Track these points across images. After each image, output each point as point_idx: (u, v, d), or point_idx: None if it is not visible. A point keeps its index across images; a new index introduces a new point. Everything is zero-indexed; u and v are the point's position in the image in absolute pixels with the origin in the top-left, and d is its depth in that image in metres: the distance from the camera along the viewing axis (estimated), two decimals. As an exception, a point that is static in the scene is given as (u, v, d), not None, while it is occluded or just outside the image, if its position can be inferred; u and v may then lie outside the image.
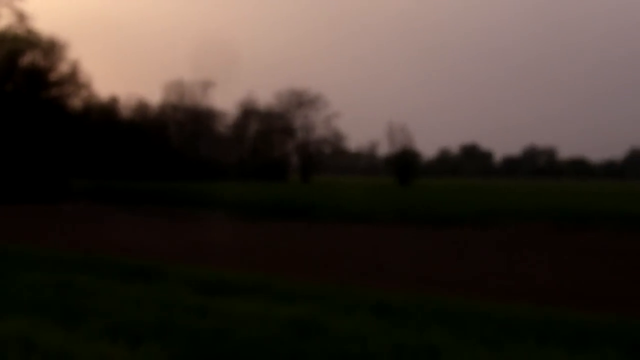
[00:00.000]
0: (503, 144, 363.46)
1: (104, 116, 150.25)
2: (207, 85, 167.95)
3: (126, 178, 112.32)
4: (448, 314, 11.77)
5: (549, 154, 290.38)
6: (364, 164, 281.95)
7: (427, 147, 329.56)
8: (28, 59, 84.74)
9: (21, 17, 76.39)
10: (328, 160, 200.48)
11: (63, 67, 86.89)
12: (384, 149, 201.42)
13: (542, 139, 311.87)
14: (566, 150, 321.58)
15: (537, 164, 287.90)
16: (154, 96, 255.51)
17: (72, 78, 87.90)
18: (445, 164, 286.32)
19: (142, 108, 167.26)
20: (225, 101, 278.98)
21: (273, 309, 11.86)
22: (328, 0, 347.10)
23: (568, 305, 14.08)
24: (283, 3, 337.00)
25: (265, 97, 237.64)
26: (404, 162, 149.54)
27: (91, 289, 13.91)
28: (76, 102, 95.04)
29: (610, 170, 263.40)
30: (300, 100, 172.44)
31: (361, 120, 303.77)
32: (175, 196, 65.60)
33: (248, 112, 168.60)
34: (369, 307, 12.25)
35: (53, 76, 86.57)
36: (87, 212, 51.89)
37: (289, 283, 15.27)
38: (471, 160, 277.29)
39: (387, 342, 9.51)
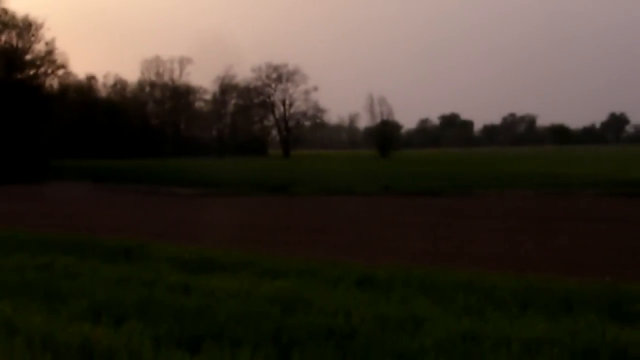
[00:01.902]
0: (483, 114, 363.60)
1: (81, 95, 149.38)
2: (184, 61, 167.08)
3: (106, 157, 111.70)
4: (432, 285, 11.78)
5: (529, 122, 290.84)
6: (344, 137, 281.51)
7: (408, 119, 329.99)
8: (3, 39, 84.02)
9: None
10: (308, 134, 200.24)
11: (39, 47, 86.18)
12: (364, 122, 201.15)
13: (521, 108, 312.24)
14: (546, 118, 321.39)
15: (517, 132, 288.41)
16: (132, 74, 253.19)
17: (48, 58, 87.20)
18: (426, 134, 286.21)
19: (120, 86, 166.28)
20: (203, 77, 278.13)
21: (257, 285, 11.84)
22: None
23: (550, 272, 14.14)
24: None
25: (244, 72, 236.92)
26: (384, 134, 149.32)
27: (73, 270, 13.84)
28: (53, 82, 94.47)
29: (590, 135, 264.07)
30: (279, 75, 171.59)
31: (341, 93, 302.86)
32: (156, 174, 65.35)
33: (226, 88, 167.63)
34: (353, 280, 12.25)
35: (29, 56, 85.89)
36: (67, 192, 51.60)
37: (272, 259, 15.23)
38: (452, 130, 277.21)
39: (371, 315, 9.51)
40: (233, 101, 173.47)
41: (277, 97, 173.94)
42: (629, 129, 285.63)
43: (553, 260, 17.36)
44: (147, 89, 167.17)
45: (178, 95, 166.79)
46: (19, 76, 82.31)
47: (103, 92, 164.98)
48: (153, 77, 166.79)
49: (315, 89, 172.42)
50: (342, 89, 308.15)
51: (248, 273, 13.34)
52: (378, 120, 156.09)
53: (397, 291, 11.30)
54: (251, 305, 10.28)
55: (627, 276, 13.77)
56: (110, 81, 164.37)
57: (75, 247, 17.41)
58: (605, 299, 10.33)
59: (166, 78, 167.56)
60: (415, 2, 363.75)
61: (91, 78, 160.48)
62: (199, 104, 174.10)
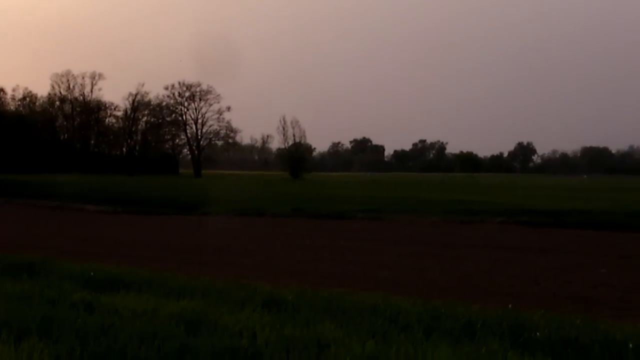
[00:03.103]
0: (394, 140, 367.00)
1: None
2: (96, 77, 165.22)
3: (12, 171, 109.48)
4: (337, 307, 11.82)
5: (439, 149, 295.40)
6: (257, 158, 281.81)
7: (320, 142, 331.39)
8: None
9: None
10: (220, 153, 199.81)
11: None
12: (276, 143, 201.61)
13: (432, 136, 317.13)
14: (455, 146, 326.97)
15: (427, 158, 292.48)
16: (43, 88, 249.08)
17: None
18: (338, 158, 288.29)
19: (29, 100, 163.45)
20: (114, 93, 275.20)
21: (162, 305, 11.72)
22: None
23: (455, 298, 14.32)
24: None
25: (157, 89, 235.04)
26: (296, 156, 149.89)
27: (-28, 286, 13.52)
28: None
29: (498, 164, 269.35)
30: (192, 94, 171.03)
31: (254, 114, 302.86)
32: (64, 189, 64.27)
33: (138, 105, 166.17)
34: (259, 302, 12.22)
35: None
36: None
37: (178, 278, 15.10)
38: (363, 154, 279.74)
39: (276, 336, 9.50)
40: (144, 118, 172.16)
41: (189, 115, 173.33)
42: (535, 158, 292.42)
43: (458, 286, 17.60)
44: (57, 103, 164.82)
45: (88, 111, 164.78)
46: None
47: (12, 105, 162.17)
48: (63, 92, 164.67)
49: (228, 109, 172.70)
50: (255, 110, 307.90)
51: (153, 292, 13.20)
52: (290, 142, 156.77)
53: (303, 313, 11.31)
54: (156, 325, 10.16)
55: (529, 304, 14.05)
56: (20, 94, 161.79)
57: (-25, 262, 17.00)
58: (507, 326, 10.49)
59: (77, 93, 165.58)
60: (326, 25, 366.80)
61: (0, 91, 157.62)
62: (109, 121, 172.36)
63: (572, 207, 45.08)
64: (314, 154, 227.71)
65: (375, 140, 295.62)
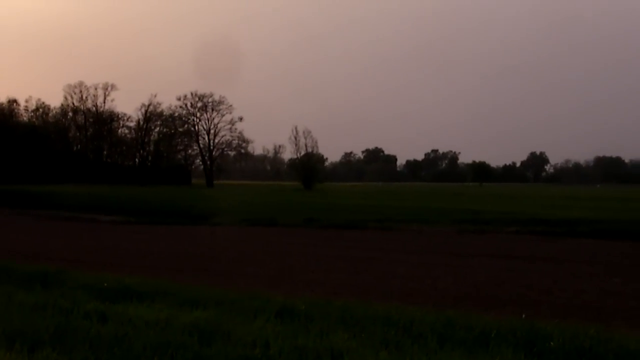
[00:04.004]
0: (406, 150, 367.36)
1: (1, 119, 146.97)
2: (108, 88, 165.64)
3: (26, 182, 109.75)
4: (351, 317, 11.81)
5: (451, 159, 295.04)
6: (269, 168, 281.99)
7: (332, 152, 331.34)
8: None
9: None
10: (232, 164, 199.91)
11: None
12: (289, 154, 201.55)
13: (444, 145, 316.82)
14: (468, 156, 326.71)
15: (439, 168, 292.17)
16: (55, 99, 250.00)
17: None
18: (350, 168, 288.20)
19: (42, 111, 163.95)
20: (127, 104, 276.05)
21: (175, 315, 11.73)
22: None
23: (468, 308, 14.30)
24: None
25: (169, 100, 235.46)
26: (308, 166, 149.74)
27: (-13, 296, 13.56)
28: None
29: (511, 174, 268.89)
30: (204, 104, 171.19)
31: (267, 124, 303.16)
32: (77, 200, 64.43)
33: (151, 116, 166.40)
34: (272, 311, 12.21)
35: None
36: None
37: (192, 289, 15.12)
38: (375, 164, 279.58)
39: (289, 346, 9.50)
40: (157, 129, 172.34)
41: (202, 126, 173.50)
42: (548, 168, 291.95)
43: (471, 296, 17.56)
44: (70, 114, 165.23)
45: (101, 122, 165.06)
46: None
47: (25, 117, 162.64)
48: (76, 103, 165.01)
49: (241, 119, 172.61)
50: (268, 121, 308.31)
51: (166, 302, 13.21)
52: (302, 152, 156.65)
53: (316, 323, 11.30)
54: (169, 335, 10.17)
55: (543, 314, 14.01)
56: (33, 105, 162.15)
57: (-11, 272, 17.06)
58: (521, 336, 10.46)
59: (89, 104, 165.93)
60: (339, 37, 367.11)
61: (13, 102, 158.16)
62: (122, 131, 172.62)
63: (585, 216, 44.93)
64: (326, 164, 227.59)
65: (388, 150, 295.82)
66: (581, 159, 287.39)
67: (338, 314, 12.05)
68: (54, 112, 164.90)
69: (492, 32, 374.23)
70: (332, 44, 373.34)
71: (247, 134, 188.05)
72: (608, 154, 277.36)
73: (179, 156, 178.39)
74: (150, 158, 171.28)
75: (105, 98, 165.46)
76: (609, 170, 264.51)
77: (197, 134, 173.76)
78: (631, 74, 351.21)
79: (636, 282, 20.93)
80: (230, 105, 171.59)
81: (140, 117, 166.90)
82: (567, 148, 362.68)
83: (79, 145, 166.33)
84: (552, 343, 10.05)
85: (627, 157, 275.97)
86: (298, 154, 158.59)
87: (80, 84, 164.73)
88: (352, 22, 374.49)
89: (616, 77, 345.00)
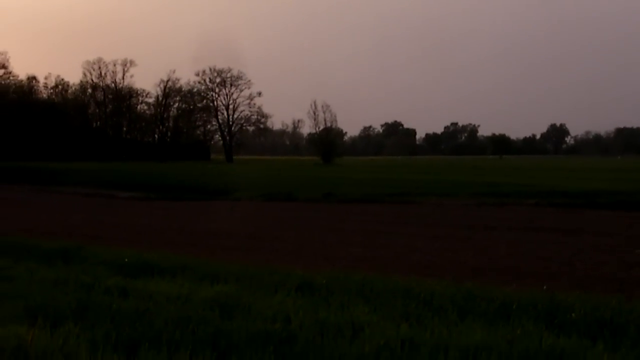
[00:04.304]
0: (425, 123, 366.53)
1: (21, 96, 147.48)
2: (127, 64, 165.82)
3: (46, 159, 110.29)
4: (371, 291, 11.82)
5: (470, 131, 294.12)
6: (288, 143, 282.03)
7: (351, 126, 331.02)
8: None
9: None
10: (252, 139, 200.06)
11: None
12: (308, 128, 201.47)
13: (463, 118, 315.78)
14: (487, 128, 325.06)
15: (458, 141, 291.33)
16: (74, 76, 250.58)
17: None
18: (369, 142, 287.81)
19: (61, 88, 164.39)
20: (146, 80, 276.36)
21: (196, 290, 11.78)
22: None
23: (489, 281, 14.29)
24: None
25: (188, 76, 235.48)
26: (327, 141, 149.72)
27: (8, 272, 13.66)
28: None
29: (531, 146, 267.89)
30: (223, 80, 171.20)
31: (285, 99, 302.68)
32: (97, 177, 64.72)
33: (169, 91, 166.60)
34: (293, 285, 12.24)
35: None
36: (3, 194, 50.81)
37: (211, 264, 15.17)
38: (394, 138, 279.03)
39: (310, 320, 9.52)
40: (176, 105, 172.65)
41: (220, 101, 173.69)
42: (568, 140, 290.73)
43: (491, 269, 17.53)
44: (89, 90, 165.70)
45: (120, 98, 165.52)
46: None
47: (44, 93, 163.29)
48: (95, 79, 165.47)
49: (259, 94, 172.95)
50: (286, 95, 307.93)
51: (187, 277, 13.27)
52: (321, 126, 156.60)
53: (336, 297, 11.32)
54: (189, 309, 10.21)
55: (563, 286, 13.98)
56: (52, 82, 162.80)
57: (10, 248, 17.19)
58: (542, 308, 10.45)
59: (108, 80, 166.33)
60: (356, 12, 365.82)
61: (32, 79, 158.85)
62: (141, 107, 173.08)
63: (605, 188, 44.73)
64: (345, 138, 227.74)
65: (407, 124, 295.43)
66: (602, 130, 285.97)
67: (358, 288, 12.08)
68: (73, 88, 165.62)
69: (509, 5, 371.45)
70: (348, 17, 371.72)
71: (266, 109, 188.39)
72: (629, 125, 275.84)
73: (198, 132, 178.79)
74: (169, 134, 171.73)
75: (124, 74, 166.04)
76: (629, 141, 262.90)
77: (216, 109, 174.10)
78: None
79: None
80: (249, 80, 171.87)
81: (159, 93, 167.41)
82: (587, 119, 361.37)
83: (98, 122, 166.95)
84: (573, 314, 10.04)
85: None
86: (317, 129, 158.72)
87: (99, 60, 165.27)
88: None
89: (635, 47, 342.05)
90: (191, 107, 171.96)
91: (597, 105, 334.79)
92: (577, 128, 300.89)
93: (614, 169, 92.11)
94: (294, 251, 21.13)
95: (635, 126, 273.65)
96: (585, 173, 77.62)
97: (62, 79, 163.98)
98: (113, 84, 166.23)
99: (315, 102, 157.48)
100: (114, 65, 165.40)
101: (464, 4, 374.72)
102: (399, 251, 21.17)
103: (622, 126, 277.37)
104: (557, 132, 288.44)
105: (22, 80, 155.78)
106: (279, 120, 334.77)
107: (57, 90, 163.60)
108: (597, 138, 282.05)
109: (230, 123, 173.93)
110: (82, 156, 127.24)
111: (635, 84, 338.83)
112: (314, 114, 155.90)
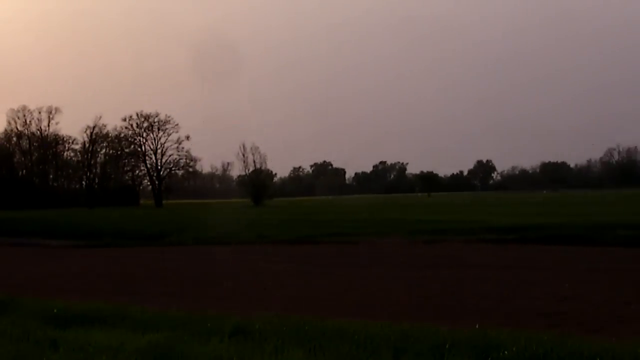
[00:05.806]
0: (354, 162, 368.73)
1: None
2: (53, 111, 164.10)
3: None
4: (306, 334, 11.78)
5: (399, 170, 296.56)
6: (218, 186, 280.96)
7: (281, 167, 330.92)
8: None
9: None
10: (181, 183, 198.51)
11: None
12: (237, 171, 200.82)
13: (392, 157, 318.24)
14: (416, 166, 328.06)
15: (388, 180, 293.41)
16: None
17: None
18: (299, 182, 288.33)
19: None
20: (72, 127, 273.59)
21: (129, 339, 11.61)
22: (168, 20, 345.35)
23: (423, 319, 14.34)
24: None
25: (114, 121, 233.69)
26: (257, 182, 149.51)
27: None
28: None
29: (459, 182, 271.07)
30: (150, 124, 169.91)
31: (214, 142, 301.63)
32: (25, 225, 63.63)
33: (96, 137, 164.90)
34: (227, 332, 12.14)
35: None
36: None
37: (145, 311, 14.97)
38: (324, 178, 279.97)
39: (245, 367, 9.44)
40: (103, 151, 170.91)
41: (148, 146, 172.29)
42: (495, 176, 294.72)
43: (425, 307, 17.62)
44: (14, 139, 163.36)
45: (46, 145, 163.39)
46: None
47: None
48: (20, 127, 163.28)
49: (187, 138, 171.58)
50: (214, 138, 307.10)
51: (120, 326, 13.08)
52: (251, 168, 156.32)
53: (271, 341, 11.26)
54: (123, 359, 10.06)
55: (497, 321, 14.09)
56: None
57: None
58: (475, 346, 10.51)
59: (34, 128, 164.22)
60: (285, 50, 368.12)
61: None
62: (68, 154, 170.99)
63: (534, 222, 45.40)
64: (275, 179, 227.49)
65: (336, 164, 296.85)
66: (527, 165, 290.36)
67: (293, 331, 12.02)
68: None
69: (430, 44, 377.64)
70: (278, 59, 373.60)
71: (195, 152, 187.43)
72: (553, 160, 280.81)
73: (127, 177, 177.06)
74: (97, 180, 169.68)
75: (49, 121, 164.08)
76: (555, 175, 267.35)
77: (144, 154, 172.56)
78: (573, 81, 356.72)
79: (589, 286, 21.14)
80: (177, 124, 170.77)
81: (86, 139, 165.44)
82: (513, 155, 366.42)
83: (24, 170, 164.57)
84: (505, 352, 10.11)
85: (572, 162, 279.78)
86: (247, 171, 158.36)
87: (24, 107, 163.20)
88: (302, 37, 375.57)
89: (559, 85, 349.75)
90: (119, 152, 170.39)
91: (523, 141, 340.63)
92: (503, 164, 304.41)
93: (541, 203, 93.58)
94: (229, 296, 20.98)
95: (559, 160, 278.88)
96: (513, 208, 78.67)
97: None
98: (38, 132, 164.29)
99: (244, 144, 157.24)
100: (39, 112, 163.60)
101: (391, 48, 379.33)
102: (334, 291, 21.18)
103: (547, 161, 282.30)
104: (483, 168, 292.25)
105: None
106: (208, 163, 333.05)
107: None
108: (523, 173, 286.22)
109: (159, 167, 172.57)
110: (8, 206, 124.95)
111: (558, 120, 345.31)
112: (243, 156, 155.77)
